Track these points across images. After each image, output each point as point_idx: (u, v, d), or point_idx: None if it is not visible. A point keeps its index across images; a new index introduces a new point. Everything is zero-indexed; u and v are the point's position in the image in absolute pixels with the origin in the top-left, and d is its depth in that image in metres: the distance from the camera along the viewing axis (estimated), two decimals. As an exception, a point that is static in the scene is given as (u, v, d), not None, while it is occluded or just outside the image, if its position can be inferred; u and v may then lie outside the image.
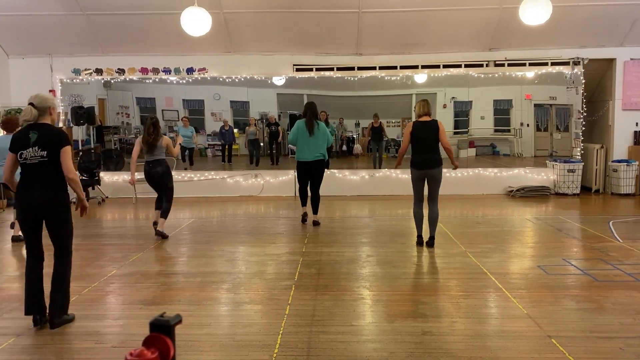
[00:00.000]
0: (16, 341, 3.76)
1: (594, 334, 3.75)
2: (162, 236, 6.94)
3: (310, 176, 7.68)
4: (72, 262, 4.21)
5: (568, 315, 4.16)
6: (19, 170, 4.03)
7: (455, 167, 6.72)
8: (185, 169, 12.25)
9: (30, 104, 3.97)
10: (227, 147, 13.87)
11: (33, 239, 4.07)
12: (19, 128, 4.28)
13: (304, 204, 7.97)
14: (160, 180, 6.94)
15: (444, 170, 6.41)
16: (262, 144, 14.23)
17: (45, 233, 4.08)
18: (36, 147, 3.90)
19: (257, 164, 13.38)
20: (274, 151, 13.88)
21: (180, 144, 7.52)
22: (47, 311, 4.02)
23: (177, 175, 10.18)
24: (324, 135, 7.60)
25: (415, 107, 6.45)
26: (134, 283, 5.11)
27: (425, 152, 6.20)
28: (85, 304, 4.43)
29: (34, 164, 3.92)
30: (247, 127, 13.79)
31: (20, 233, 6.80)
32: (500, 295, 4.60)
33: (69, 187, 4.05)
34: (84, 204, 4.14)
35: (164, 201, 7.04)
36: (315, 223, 7.72)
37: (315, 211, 7.79)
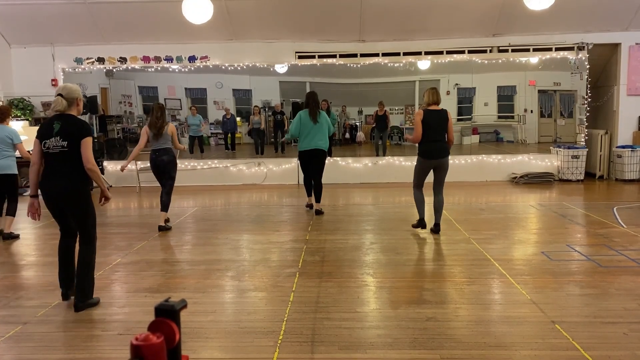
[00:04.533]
0: (23, 329, 3.79)
1: (598, 319, 3.76)
2: (166, 229, 6.91)
3: (312, 165, 7.68)
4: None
5: (572, 300, 4.17)
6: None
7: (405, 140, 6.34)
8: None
9: (60, 94, 4.10)
10: (229, 135, 13.85)
11: (62, 222, 4.23)
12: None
13: (309, 194, 8.03)
14: (164, 169, 6.84)
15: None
16: (266, 132, 14.18)
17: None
18: (58, 137, 4.02)
19: (262, 152, 13.35)
20: (278, 139, 13.85)
21: (183, 146, 7.41)
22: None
23: (180, 164, 10.17)
24: (326, 123, 7.62)
25: (424, 95, 6.32)
26: (139, 271, 5.13)
27: (435, 141, 6.15)
28: (90, 292, 4.45)
29: (55, 153, 4.03)
30: (251, 116, 13.62)
31: (11, 230, 6.75)
32: (504, 282, 4.61)
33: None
34: (105, 195, 4.27)
35: (164, 193, 6.87)
36: (318, 212, 7.71)
37: (318, 199, 7.79)
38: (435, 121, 6.13)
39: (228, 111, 13.84)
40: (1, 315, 4.09)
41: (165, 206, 6.90)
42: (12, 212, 6.71)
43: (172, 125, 6.93)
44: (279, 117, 13.54)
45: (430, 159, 6.20)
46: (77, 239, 4.26)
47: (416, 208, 6.48)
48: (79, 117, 4.26)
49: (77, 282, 4.12)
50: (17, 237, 6.71)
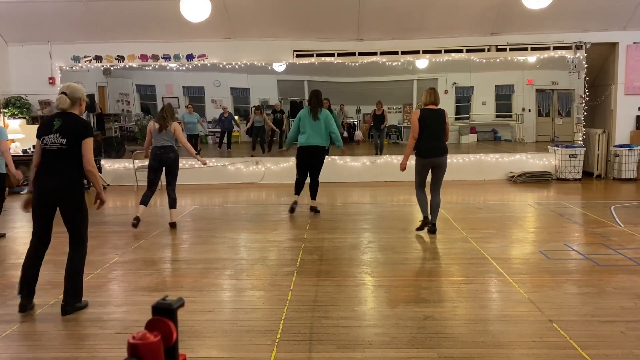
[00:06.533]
0: (19, 328, 3.78)
1: (595, 318, 3.76)
2: (173, 226, 6.89)
3: (310, 162, 7.60)
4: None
5: (569, 299, 4.17)
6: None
7: (402, 169, 6.42)
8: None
9: (63, 93, 4.04)
10: (225, 134, 13.81)
11: (42, 224, 4.08)
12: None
13: (297, 192, 7.72)
14: (169, 166, 6.87)
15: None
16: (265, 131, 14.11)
17: (58, 222, 4.08)
18: (57, 134, 3.95)
19: (270, 149, 13.29)
20: (274, 138, 13.81)
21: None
22: (34, 298, 4.10)
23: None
24: (325, 122, 7.60)
25: (423, 95, 6.33)
26: (137, 270, 5.13)
27: (433, 140, 6.16)
28: (88, 291, 4.43)
29: (52, 150, 3.97)
30: (252, 115, 13.37)
31: None
32: (502, 280, 4.61)
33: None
34: (101, 197, 4.18)
35: (170, 191, 6.91)
36: (313, 209, 7.65)
37: (313, 197, 7.71)
38: (432, 120, 6.14)
39: (226, 110, 13.81)
40: (-2, 314, 4.08)
41: (174, 203, 6.92)
42: None
43: (176, 123, 6.91)
44: (278, 115, 13.51)
45: (428, 157, 6.20)
46: (47, 249, 4.13)
47: (419, 208, 6.47)
48: (82, 116, 4.20)
49: (67, 287, 4.02)
50: (3, 235, 6.67)
